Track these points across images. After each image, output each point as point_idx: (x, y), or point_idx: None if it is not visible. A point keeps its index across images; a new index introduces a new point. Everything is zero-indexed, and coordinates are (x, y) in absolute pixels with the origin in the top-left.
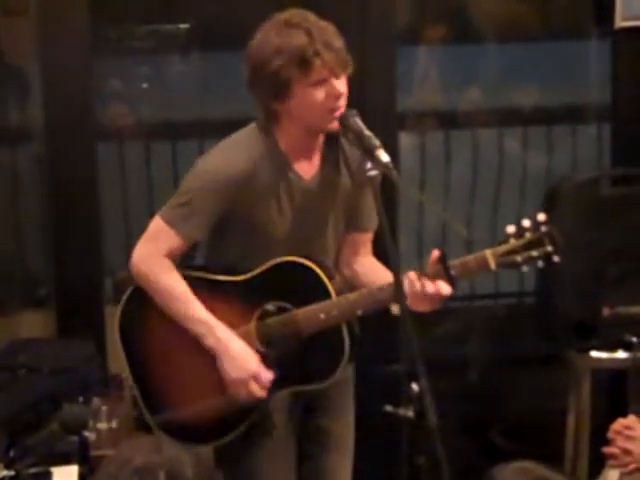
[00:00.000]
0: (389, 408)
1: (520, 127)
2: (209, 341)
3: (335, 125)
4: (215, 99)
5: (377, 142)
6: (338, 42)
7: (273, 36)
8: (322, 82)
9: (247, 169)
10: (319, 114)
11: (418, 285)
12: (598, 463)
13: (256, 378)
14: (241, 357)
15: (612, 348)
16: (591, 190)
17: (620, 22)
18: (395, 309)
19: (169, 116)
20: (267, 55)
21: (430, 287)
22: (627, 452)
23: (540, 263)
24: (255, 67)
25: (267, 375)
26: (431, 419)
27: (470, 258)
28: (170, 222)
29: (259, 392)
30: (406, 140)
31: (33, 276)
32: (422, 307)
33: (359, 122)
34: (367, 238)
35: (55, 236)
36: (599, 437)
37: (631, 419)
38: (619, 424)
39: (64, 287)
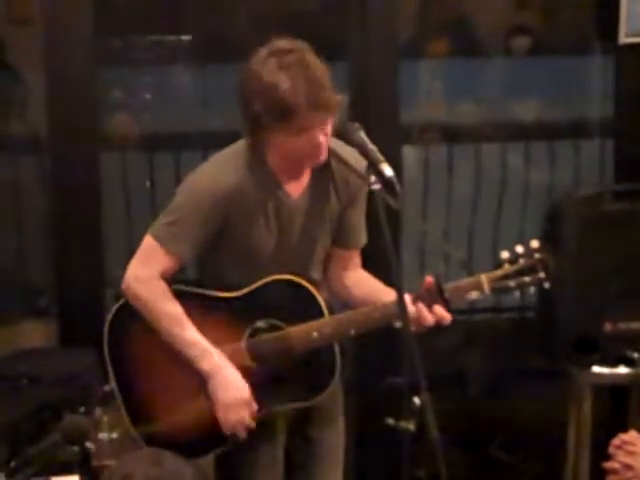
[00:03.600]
0: (390, 421)
1: (523, 142)
2: (203, 366)
3: (321, 161)
4: (217, 110)
5: (380, 156)
6: (325, 91)
7: (262, 74)
8: (303, 130)
9: (235, 187)
10: (298, 157)
11: (413, 309)
12: (599, 478)
13: (247, 406)
14: (234, 384)
15: (613, 364)
16: (594, 205)
17: (623, 38)
18: (398, 323)
19: (172, 127)
20: (251, 94)
21: (426, 313)
22: (628, 467)
23: (532, 289)
24: (241, 99)
25: (255, 405)
26: (432, 432)
27: (465, 282)
28: (161, 241)
29: (248, 420)
30: (409, 154)
31: (35, 286)
32: (415, 329)
33: (363, 136)
34: (355, 254)
35: (57, 246)
36: (600, 452)
37: (632, 434)
38: (620, 439)
39: (66, 297)
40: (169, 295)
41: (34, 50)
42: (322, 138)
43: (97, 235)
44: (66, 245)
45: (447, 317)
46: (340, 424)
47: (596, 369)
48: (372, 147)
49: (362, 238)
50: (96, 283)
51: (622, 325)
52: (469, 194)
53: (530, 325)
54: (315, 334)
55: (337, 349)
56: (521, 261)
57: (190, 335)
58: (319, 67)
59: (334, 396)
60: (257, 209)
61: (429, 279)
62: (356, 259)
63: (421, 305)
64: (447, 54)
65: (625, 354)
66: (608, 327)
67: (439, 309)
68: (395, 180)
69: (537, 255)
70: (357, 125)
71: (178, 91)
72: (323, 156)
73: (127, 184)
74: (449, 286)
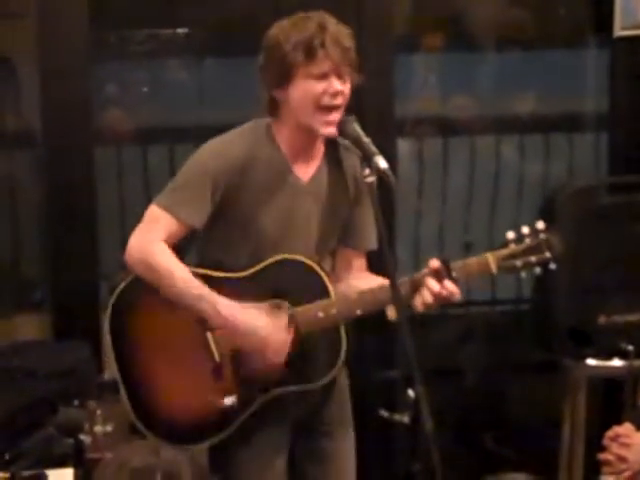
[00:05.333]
0: (385, 413)
1: (517, 135)
2: (217, 320)
3: (331, 131)
4: (213, 104)
5: (375, 148)
6: (348, 42)
7: (288, 25)
8: (323, 76)
9: (243, 157)
10: (313, 109)
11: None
12: (593, 470)
13: (273, 339)
14: (251, 327)
15: (608, 356)
16: (588, 198)
17: (619, 31)
18: (391, 315)
19: (167, 121)
20: (278, 40)
21: (440, 288)
22: (622, 459)
23: (538, 269)
24: (266, 51)
25: (282, 336)
26: (426, 425)
27: (472, 260)
28: (166, 207)
29: (282, 350)
30: (404, 146)
31: (29, 279)
32: (428, 307)
33: (357, 128)
34: (359, 256)
35: (52, 239)
36: (594, 444)
37: (626, 427)
38: (614, 431)
39: (60, 290)
40: (172, 255)
41: (28, 44)
42: (341, 87)
43: (92, 228)
44: (61, 238)
45: (457, 292)
46: (350, 427)
47: (591, 361)
48: (367, 139)
49: (368, 241)
50: (91, 276)
51: (617, 318)
52: (464, 187)
53: (525, 318)
54: (321, 314)
55: (343, 331)
56: (527, 241)
57: (198, 290)
58: (343, 27)
59: (343, 399)
60: (264, 187)
61: (435, 262)
62: (360, 261)
63: (431, 280)
64: (442, 48)
65: (620, 347)
66: (603, 320)
67: (450, 284)
68: (389, 172)
69: (542, 235)
70: (352, 117)
71: (174, 85)
72: (337, 114)
73: (122, 178)
74: (456, 265)
